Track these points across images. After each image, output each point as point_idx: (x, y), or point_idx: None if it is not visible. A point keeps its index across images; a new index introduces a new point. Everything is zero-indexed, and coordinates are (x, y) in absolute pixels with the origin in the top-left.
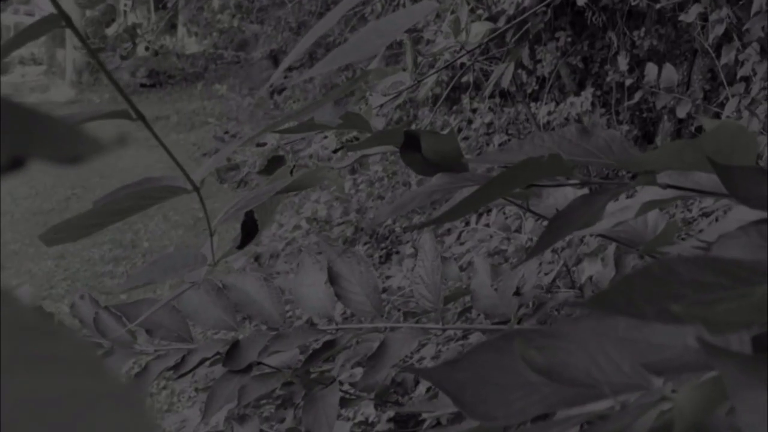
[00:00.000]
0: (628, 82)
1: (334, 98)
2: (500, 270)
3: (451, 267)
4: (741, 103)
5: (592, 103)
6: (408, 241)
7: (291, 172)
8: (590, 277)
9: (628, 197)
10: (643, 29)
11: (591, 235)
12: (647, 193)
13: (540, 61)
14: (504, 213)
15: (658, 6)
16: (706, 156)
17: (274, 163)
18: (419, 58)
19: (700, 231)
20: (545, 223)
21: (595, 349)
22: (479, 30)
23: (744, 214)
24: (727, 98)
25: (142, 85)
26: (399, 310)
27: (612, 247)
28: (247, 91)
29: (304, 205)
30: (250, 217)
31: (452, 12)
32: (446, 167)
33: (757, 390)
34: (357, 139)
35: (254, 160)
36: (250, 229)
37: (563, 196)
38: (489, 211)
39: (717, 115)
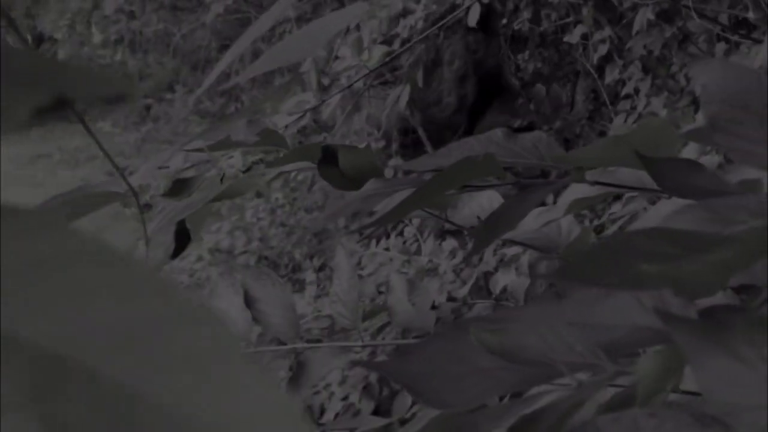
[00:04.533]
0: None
1: (244, 116)
2: (416, 285)
3: (368, 285)
4: (628, 120)
5: None
6: (309, 269)
7: (221, 180)
8: (505, 287)
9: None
10: (527, 52)
11: (504, 245)
12: (573, 192)
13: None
14: (402, 236)
15: (540, 29)
16: (633, 151)
17: (179, 185)
18: (323, 79)
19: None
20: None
21: (547, 331)
22: (376, 53)
23: (665, 210)
24: (610, 118)
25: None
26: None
27: (526, 256)
28: (133, 125)
29: (205, 236)
30: (182, 227)
31: (346, 33)
32: (364, 180)
33: (714, 355)
34: (261, 161)
35: (158, 184)
36: (182, 239)
37: (478, 205)
38: (388, 235)
39: (602, 133)
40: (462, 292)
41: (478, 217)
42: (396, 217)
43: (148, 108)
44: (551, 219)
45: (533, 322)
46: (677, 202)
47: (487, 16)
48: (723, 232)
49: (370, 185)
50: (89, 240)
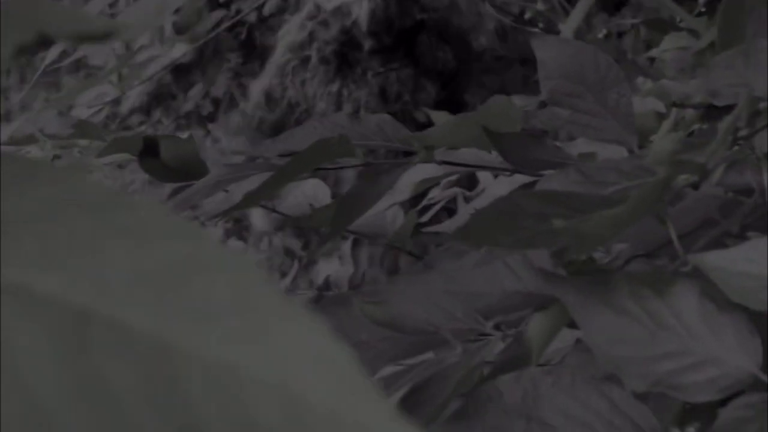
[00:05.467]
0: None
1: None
2: None
3: None
4: None
5: None
6: None
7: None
8: (328, 276)
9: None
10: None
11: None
12: (417, 172)
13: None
14: (203, 224)
15: None
16: (481, 128)
17: None
18: (125, 69)
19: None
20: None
21: (426, 300)
22: (179, 45)
23: (503, 189)
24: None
25: None
26: None
27: (347, 244)
28: None
29: None
30: None
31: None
32: (187, 172)
33: (600, 311)
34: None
35: None
36: None
37: (303, 193)
38: None
39: None
40: (283, 283)
41: (311, 205)
42: (251, 202)
43: None
44: (395, 201)
45: (410, 293)
46: (514, 180)
47: None
48: (600, 192)
49: (218, 171)
50: (97, 185)
